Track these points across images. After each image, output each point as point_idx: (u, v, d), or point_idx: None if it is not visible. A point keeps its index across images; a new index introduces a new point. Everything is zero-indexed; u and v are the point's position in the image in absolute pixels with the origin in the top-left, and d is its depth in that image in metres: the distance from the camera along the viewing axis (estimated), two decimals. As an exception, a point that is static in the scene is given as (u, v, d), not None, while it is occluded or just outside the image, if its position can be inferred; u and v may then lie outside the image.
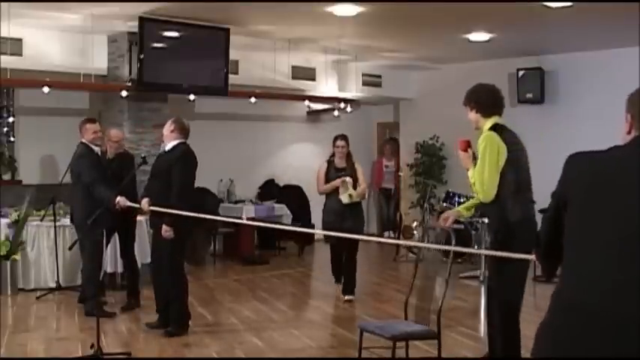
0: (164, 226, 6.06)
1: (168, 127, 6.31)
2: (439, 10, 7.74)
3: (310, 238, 11.36)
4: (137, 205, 6.50)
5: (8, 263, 7.86)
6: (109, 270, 8.12)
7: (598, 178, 2.22)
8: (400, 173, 12.48)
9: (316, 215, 9.31)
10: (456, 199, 9.79)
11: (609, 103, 10.20)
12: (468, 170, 4.77)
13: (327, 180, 7.77)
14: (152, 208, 6.16)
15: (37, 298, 7.71)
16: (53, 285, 8.01)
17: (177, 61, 8.85)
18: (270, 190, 11.91)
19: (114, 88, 8.94)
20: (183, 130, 6.31)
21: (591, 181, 2.23)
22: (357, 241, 7.58)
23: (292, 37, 9.69)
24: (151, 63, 8.57)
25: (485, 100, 4.74)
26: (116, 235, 7.57)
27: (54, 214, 7.94)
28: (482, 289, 8.39)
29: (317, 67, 11.11)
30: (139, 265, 7.58)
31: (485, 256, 7.47)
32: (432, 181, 11.88)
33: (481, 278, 8.93)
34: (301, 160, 12.00)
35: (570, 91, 10.76)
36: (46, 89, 8.42)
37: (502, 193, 4.56)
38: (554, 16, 8.01)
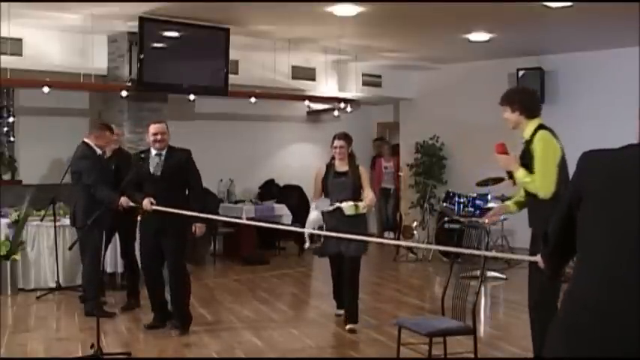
0: (199, 225, 6.30)
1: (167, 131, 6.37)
2: (439, 10, 7.74)
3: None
4: (139, 205, 6.51)
5: (8, 263, 7.86)
6: (109, 270, 8.14)
7: (614, 175, 2.21)
8: (400, 173, 12.48)
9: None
10: (456, 199, 9.77)
11: (609, 103, 10.26)
12: (508, 172, 4.77)
13: (325, 186, 6.65)
14: (155, 207, 6.16)
15: (37, 298, 7.72)
16: (53, 285, 8.02)
17: (177, 61, 8.86)
18: (270, 190, 11.90)
19: (114, 88, 8.94)
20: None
21: (607, 178, 2.22)
22: (357, 262, 6.59)
23: (292, 37, 9.69)
24: (150, 63, 8.57)
25: (529, 101, 4.82)
26: (116, 235, 7.58)
27: (54, 214, 7.94)
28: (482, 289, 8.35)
29: (317, 67, 11.11)
30: (139, 265, 7.57)
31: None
32: (432, 181, 11.90)
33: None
34: (301, 160, 11.99)
35: (570, 91, 10.77)
36: (46, 89, 8.43)
37: (555, 191, 4.59)
38: (554, 16, 8.01)
